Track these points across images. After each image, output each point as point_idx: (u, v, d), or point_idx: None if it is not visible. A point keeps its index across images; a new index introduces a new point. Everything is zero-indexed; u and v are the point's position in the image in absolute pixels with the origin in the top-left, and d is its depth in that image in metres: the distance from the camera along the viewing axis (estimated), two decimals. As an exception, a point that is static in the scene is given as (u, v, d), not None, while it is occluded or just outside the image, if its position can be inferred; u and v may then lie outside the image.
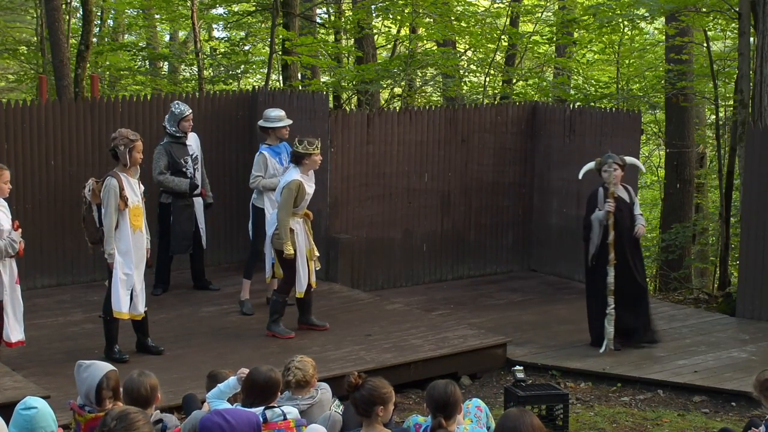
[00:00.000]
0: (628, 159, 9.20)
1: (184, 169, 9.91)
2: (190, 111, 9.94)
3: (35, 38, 19.10)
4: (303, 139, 8.75)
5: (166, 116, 9.98)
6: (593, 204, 9.02)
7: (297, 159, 8.73)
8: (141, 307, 8.16)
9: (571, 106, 13.57)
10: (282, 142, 9.69)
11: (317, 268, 9.20)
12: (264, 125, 9.69)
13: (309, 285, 8.98)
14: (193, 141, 10.12)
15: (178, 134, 9.87)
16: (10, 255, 7.49)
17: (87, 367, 5.28)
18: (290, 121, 9.77)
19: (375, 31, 19.61)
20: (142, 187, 8.25)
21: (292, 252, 8.71)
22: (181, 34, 24.42)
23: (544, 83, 17.76)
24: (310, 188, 8.81)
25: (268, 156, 9.57)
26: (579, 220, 11.43)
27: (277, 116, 9.67)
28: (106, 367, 5.28)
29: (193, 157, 10.05)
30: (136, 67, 20.75)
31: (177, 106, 9.91)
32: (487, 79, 17.64)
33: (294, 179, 8.68)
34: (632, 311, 9.07)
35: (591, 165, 9.15)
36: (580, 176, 9.36)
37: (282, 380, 5.75)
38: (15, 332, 7.61)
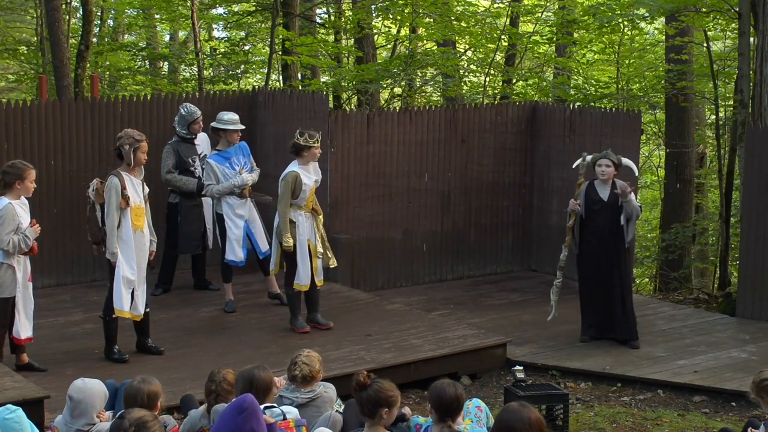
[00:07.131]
0: (625, 160, 9.24)
1: (192, 169, 9.92)
2: (200, 114, 9.95)
3: (35, 38, 19.10)
4: (304, 131, 8.82)
5: (176, 118, 10.00)
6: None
7: (297, 150, 8.79)
8: (141, 308, 8.16)
9: (571, 106, 13.57)
10: (233, 146, 9.65)
11: (332, 266, 9.23)
12: (216, 126, 9.70)
13: (313, 282, 8.99)
14: (202, 140, 10.14)
15: (188, 136, 9.91)
16: (23, 251, 7.55)
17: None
18: (242, 127, 9.75)
19: (375, 31, 19.63)
20: (147, 189, 8.24)
21: (291, 243, 8.75)
22: (181, 34, 24.43)
23: (544, 83, 17.77)
24: (309, 180, 8.83)
25: (214, 164, 9.52)
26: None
27: (230, 119, 9.65)
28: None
29: (201, 156, 10.05)
30: (136, 67, 20.77)
31: (186, 108, 9.92)
32: (487, 79, 17.64)
33: (290, 171, 8.75)
34: (609, 306, 9.12)
35: (588, 158, 9.24)
36: (574, 166, 9.48)
37: (288, 374, 5.80)
38: (24, 329, 7.73)
